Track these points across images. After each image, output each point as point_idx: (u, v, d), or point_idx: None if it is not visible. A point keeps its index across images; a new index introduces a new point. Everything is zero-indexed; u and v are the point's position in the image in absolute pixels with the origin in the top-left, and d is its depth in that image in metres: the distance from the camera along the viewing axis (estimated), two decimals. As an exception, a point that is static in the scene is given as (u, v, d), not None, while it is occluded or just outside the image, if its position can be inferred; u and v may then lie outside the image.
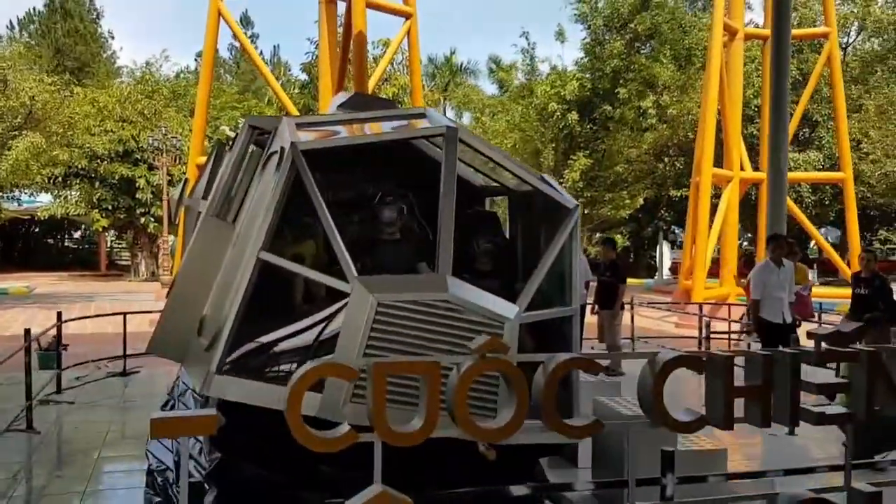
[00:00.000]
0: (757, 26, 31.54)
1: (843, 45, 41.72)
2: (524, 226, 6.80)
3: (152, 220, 44.08)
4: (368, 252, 6.08)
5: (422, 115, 6.30)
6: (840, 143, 29.14)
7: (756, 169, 28.93)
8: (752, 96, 35.79)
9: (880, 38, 41.53)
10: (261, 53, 71.27)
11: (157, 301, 27.09)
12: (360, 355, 4.80)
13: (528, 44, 42.69)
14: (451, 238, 5.19)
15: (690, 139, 34.87)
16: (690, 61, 39.33)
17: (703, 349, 14.67)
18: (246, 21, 68.73)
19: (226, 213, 6.05)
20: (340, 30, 24.50)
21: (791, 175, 28.07)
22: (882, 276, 11.08)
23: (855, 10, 41.01)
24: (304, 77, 47.03)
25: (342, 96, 8.15)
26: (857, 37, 43.66)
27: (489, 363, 3.41)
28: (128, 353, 13.28)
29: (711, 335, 14.77)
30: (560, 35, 41.61)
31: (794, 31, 28.83)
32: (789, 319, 10.19)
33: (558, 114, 37.76)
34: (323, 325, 5.20)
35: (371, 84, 22.97)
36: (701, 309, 18.88)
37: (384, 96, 33.92)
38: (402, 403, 4.10)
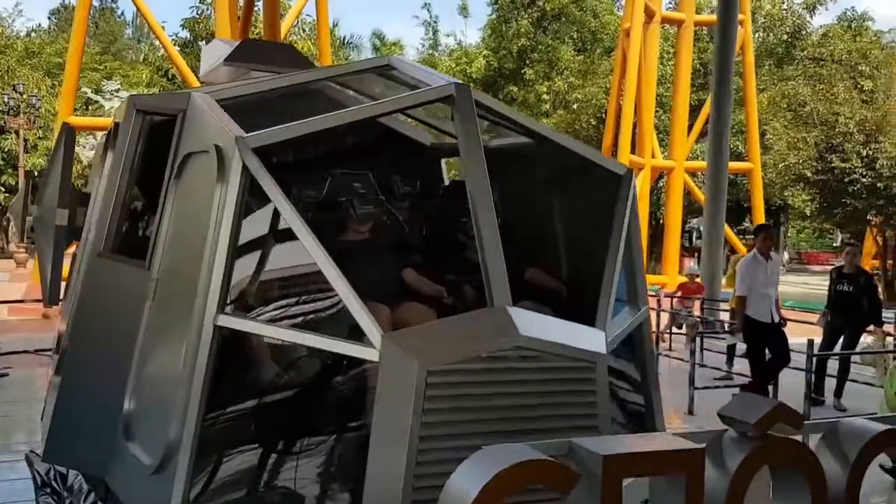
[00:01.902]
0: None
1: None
2: (545, 199, 5.15)
3: (2, 189, 38.72)
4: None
5: (387, 67, 4.48)
6: (749, 133, 27.97)
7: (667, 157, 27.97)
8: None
9: (770, 33, 41.49)
10: (121, 14, 64.63)
11: (12, 283, 23.94)
12: (416, 445, 3.10)
13: (431, 17, 40.16)
14: (499, 244, 3.52)
15: (593, 125, 33.64)
16: (596, 44, 38.01)
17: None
18: None
19: (128, 249, 4.09)
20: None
21: (693, 164, 27.54)
22: (868, 272, 10.34)
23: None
24: (185, 35, 40.84)
25: (221, 45, 6.09)
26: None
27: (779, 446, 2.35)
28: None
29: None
30: (464, 10, 39.46)
31: (698, 18, 27.93)
32: (777, 318, 9.19)
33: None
34: (334, 409, 3.44)
35: (284, 31, 19.80)
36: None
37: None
38: None
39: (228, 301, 3.37)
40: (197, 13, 36.65)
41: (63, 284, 5.63)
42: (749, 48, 28.04)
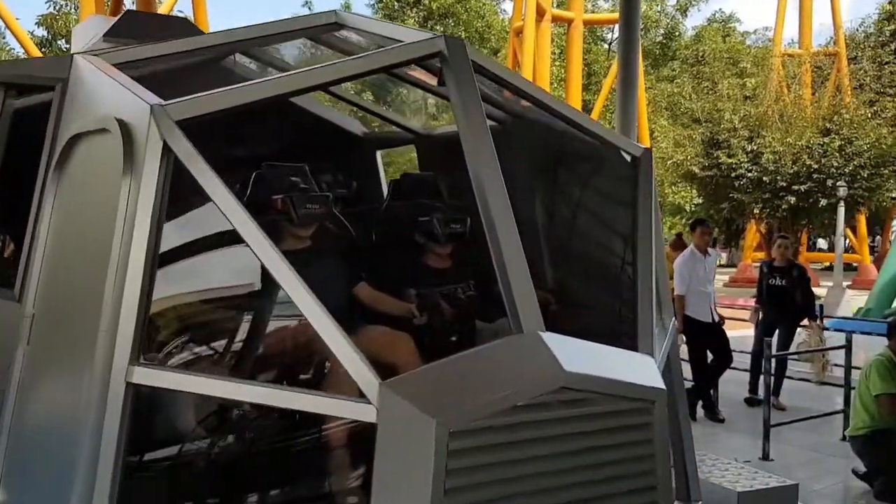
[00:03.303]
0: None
1: (610, 41, 41.73)
2: (541, 185, 4.22)
3: None
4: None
5: (335, 26, 3.47)
6: (640, 130, 28.09)
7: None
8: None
9: (646, 34, 41.94)
10: None
11: None
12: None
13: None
14: (519, 245, 2.60)
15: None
16: (483, 45, 37.26)
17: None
18: None
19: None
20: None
21: None
22: (801, 265, 9.98)
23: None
24: (41, 33, 37.30)
25: (98, 21, 4.89)
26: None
27: None
28: None
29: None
30: (346, 8, 37.81)
31: (587, 17, 27.61)
32: (717, 317, 8.71)
33: (352, 93, 34.02)
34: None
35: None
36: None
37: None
38: None
39: (147, 346, 2.30)
40: (54, 8, 33.50)
41: None
42: (638, 49, 28.15)
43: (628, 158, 3.47)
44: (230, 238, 2.32)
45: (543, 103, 3.22)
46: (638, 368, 2.66)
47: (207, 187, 2.27)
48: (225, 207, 2.28)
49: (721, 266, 36.95)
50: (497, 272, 2.55)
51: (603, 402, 2.49)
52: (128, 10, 8.49)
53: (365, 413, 2.20)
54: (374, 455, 2.20)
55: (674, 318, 3.49)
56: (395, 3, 37.26)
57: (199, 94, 2.38)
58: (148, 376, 2.24)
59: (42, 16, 33.73)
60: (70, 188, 2.73)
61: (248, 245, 2.23)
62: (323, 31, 3.45)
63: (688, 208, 32.58)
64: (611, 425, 2.52)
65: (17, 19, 25.97)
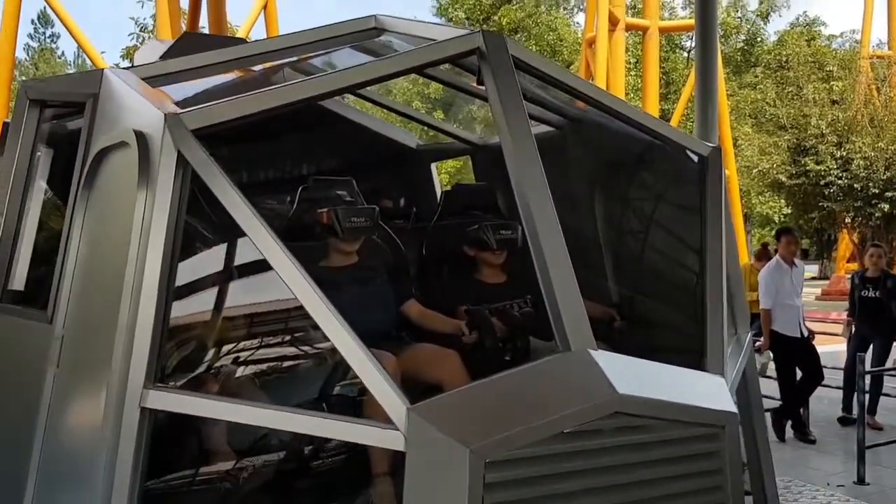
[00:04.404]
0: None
1: (689, 49, 41.07)
2: (599, 190, 3.96)
3: None
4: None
5: (375, 31, 3.31)
6: (722, 138, 27.55)
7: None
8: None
9: (726, 41, 41.22)
10: (62, 55, 63.07)
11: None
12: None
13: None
14: (566, 256, 2.36)
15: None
16: (555, 57, 37.23)
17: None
18: (45, 21, 60.05)
19: (29, 295, 2.88)
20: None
21: None
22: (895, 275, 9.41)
23: None
24: (127, 64, 39.27)
25: (158, 45, 4.86)
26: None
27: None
28: None
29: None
30: None
31: (663, 24, 27.15)
32: (805, 332, 8.17)
33: (423, 111, 34.45)
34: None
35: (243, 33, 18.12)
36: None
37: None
38: None
39: (162, 368, 2.16)
40: (137, 41, 34.92)
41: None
42: (717, 53, 27.33)
43: (695, 158, 3.20)
44: (245, 253, 2.16)
45: (598, 102, 2.98)
46: (705, 390, 2.38)
47: (222, 197, 2.13)
48: (240, 218, 2.13)
49: (813, 279, 35.35)
50: (541, 283, 2.31)
51: (664, 428, 2.22)
52: (185, 33, 8.57)
53: (392, 441, 2.00)
54: (404, 487, 1.99)
55: (750, 333, 3.16)
56: (466, 22, 37.43)
57: (215, 102, 2.24)
58: (163, 400, 2.10)
59: (126, 48, 35.18)
60: (96, 204, 2.64)
61: (263, 256, 2.06)
62: (363, 36, 3.30)
63: (777, 219, 31.37)
64: (673, 454, 2.24)
65: (102, 53, 27.01)
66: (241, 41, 5.41)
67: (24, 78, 53.33)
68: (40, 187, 3.20)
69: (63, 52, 64.32)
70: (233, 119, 2.24)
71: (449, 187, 4.46)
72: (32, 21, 60.32)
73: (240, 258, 2.49)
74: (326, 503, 2.86)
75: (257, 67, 3.47)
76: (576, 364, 2.20)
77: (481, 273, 3.88)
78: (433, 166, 5.16)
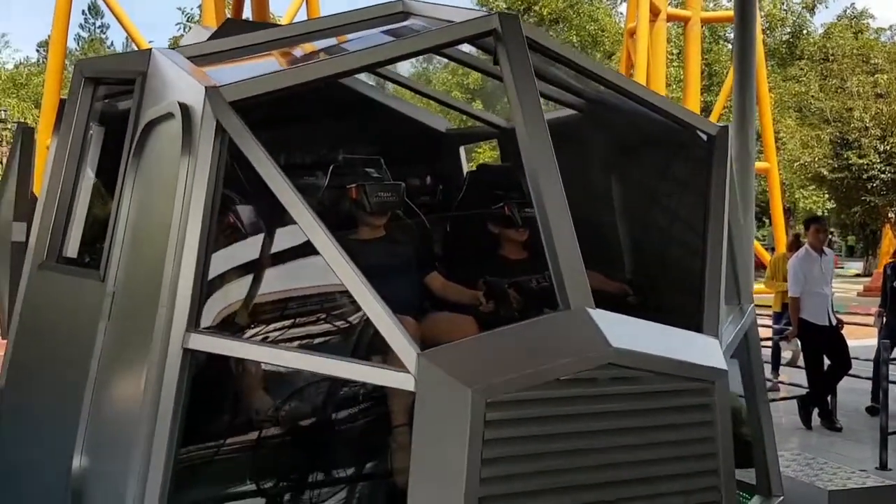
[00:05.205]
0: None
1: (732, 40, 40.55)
2: (610, 168, 4.14)
3: None
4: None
5: (401, 15, 3.53)
6: (764, 132, 27.03)
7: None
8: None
9: (771, 33, 40.64)
10: (111, 45, 64.80)
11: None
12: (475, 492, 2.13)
13: (425, 29, 39.20)
14: (570, 225, 2.56)
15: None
16: (597, 48, 37.06)
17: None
18: (95, 12, 61.75)
19: (73, 256, 3.15)
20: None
21: None
22: None
23: None
24: None
25: (201, 31, 5.14)
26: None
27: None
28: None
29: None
30: None
31: (705, 14, 26.80)
32: (834, 321, 8.18)
33: (468, 99, 34.52)
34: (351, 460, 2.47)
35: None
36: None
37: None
38: None
39: (203, 315, 2.41)
40: (185, 30, 35.68)
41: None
42: (759, 45, 26.99)
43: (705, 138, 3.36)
44: (278, 215, 2.40)
45: (611, 82, 3.16)
46: (697, 348, 2.57)
47: (258, 166, 2.37)
48: (275, 187, 2.37)
49: (857, 275, 34.73)
50: (546, 249, 2.52)
51: (656, 380, 2.41)
52: (228, 19, 8.90)
53: (404, 382, 2.23)
54: (414, 424, 2.22)
55: (752, 304, 3.32)
56: (507, 11, 37.34)
57: (253, 77, 2.49)
58: (202, 342, 2.36)
59: (174, 38, 35.97)
60: (144, 171, 2.91)
61: (292, 222, 2.30)
62: (390, 20, 3.53)
63: (821, 213, 30.91)
64: (665, 405, 2.44)
65: (150, 43, 27.71)
66: (280, 26, 5.69)
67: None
68: (93, 162, 3.48)
69: (112, 42, 65.73)
70: (267, 92, 2.48)
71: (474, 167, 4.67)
72: (83, 12, 61.61)
73: (271, 222, 2.73)
74: (350, 454, 3.10)
75: (295, 49, 3.70)
76: (574, 320, 2.41)
77: (504, 249, 4.08)
78: (461, 149, 5.37)
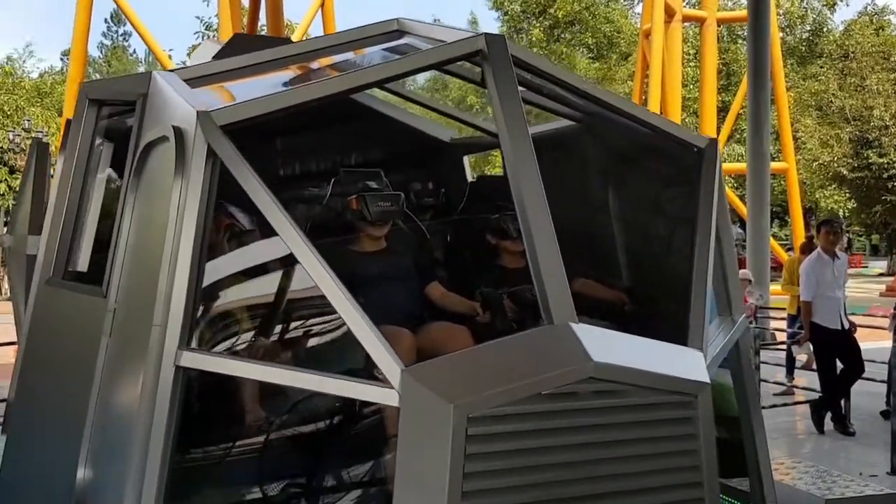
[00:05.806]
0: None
1: None
2: (600, 182, 4.20)
3: None
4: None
5: (396, 34, 3.60)
6: (782, 131, 26.86)
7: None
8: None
9: (791, 31, 40.37)
10: (133, 53, 65.50)
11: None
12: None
13: (440, 32, 39.36)
14: (554, 240, 2.62)
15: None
16: (612, 50, 36.99)
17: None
18: (118, 19, 62.53)
19: (78, 272, 3.25)
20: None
21: (730, 166, 26.28)
22: None
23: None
24: None
25: (212, 46, 5.24)
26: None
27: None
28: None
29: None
30: (473, 24, 38.50)
31: (721, 15, 26.63)
32: (847, 324, 8.11)
33: (477, 108, 34.57)
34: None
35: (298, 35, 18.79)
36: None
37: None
38: None
39: (195, 333, 2.49)
40: (203, 38, 36.17)
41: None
42: (776, 44, 26.79)
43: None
44: (266, 234, 2.47)
45: (597, 99, 3.21)
46: (681, 361, 2.61)
47: (247, 188, 2.44)
48: (265, 210, 2.44)
49: (881, 275, 34.37)
50: (530, 264, 2.57)
51: (638, 394, 2.46)
52: (236, 34, 9.05)
53: (388, 397, 2.29)
54: (398, 438, 2.28)
55: (744, 315, 3.35)
56: (521, 14, 37.31)
57: (245, 101, 2.56)
58: (194, 360, 2.43)
59: (192, 46, 36.40)
60: (143, 191, 3.00)
61: (283, 241, 2.37)
62: (387, 38, 3.60)
63: (842, 213, 30.67)
64: (647, 418, 2.48)
65: (170, 51, 28.07)
66: (287, 41, 5.78)
67: (97, 76, 55.45)
68: (99, 179, 3.58)
69: (135, 50, 66.39)
70: (259, 115, 2.56)
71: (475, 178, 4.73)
72: (105, 20, 62.34)
73: (262, 243, 2.80)
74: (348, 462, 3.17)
75: (293, 69, 3.78)
76: (556, 335, 2.46)
77: (502, 259, 4.14)
78: (465, 159, 5.42)
